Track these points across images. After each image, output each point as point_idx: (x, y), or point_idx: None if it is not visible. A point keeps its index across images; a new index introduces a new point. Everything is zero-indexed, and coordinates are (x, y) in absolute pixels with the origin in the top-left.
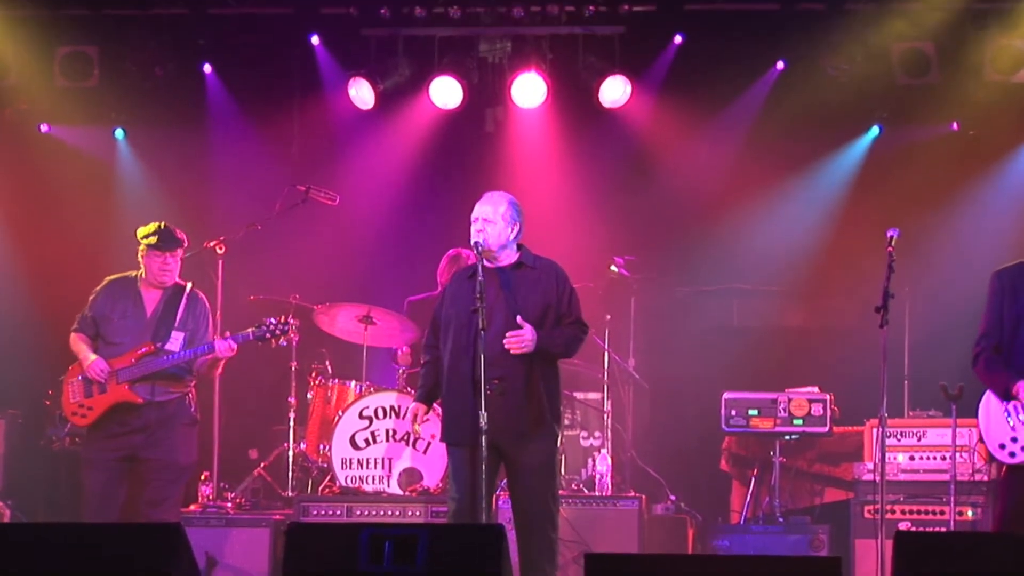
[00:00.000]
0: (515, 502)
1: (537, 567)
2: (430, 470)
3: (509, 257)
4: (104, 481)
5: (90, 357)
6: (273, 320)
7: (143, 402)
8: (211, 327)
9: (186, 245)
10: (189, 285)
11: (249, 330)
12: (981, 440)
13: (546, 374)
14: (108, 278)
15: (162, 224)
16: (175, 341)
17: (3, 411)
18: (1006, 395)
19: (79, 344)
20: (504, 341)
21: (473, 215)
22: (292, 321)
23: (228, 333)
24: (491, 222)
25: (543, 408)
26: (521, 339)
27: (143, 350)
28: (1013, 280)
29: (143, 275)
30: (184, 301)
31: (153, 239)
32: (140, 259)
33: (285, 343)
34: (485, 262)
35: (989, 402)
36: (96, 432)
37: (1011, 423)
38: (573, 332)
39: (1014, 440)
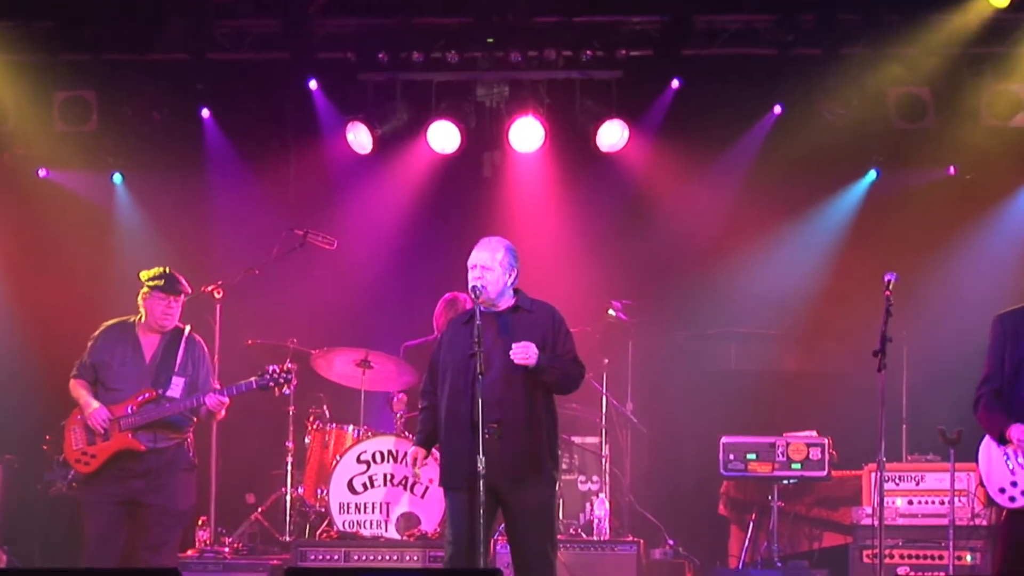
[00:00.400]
0: (513, 547)
1: None
2: (428, 514)
3: (506, 302)
4: (104, 525)
5: (92, 405)
6: (275, 368)
7: (145, 449)
8: (211, 370)
9: (189, 292)
10: (187, 328)
11: (252, 379)
12: (981, 484)
13: (545, 418)
14: (106, 323)
15: (167, 268)
16: (176, 387)
17: (0, 456)
18: (1001, 439)
19: (79, 390)
20: (512, 353)
21: (471, 262)
22: (293, 367)
23: (219, 385)
24: (489, 269)
25: (542, 452)
26: (527, 349)
27: (144, 397)
28: (1015, 324)
29: (142, 319)
30: (183, 345)
31: (159, 282)
32: (141, 302)
33: (288, 391)
34: (482, 307)
35: (989, 446)
36: (97, 477)
37: (1011, 467)
38: (570, 366)
39: (1014, 484)
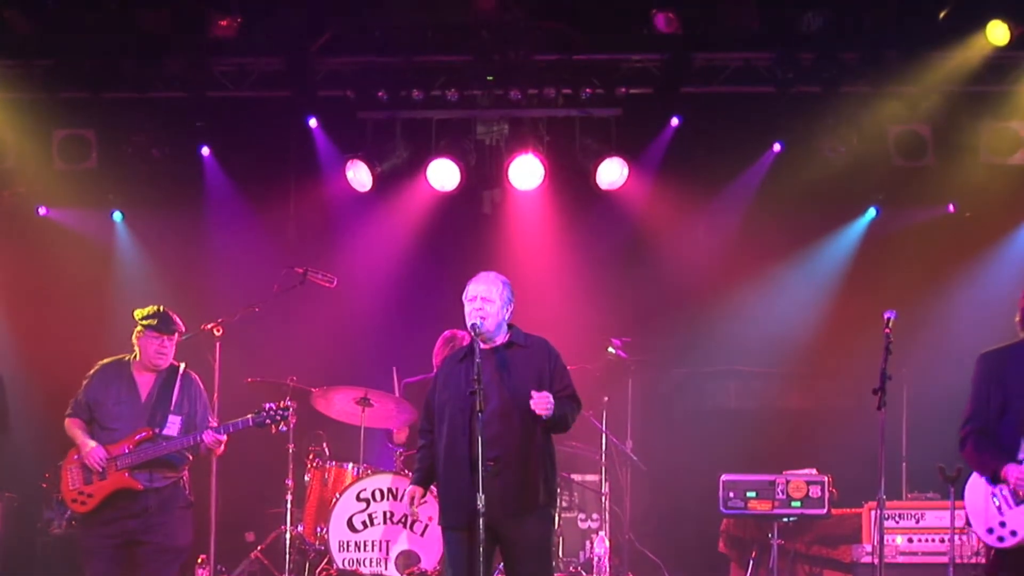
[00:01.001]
0: None
1: None
2: (427, 552)
3: (502, 337)
4: (103, 570)
5: (88, 444)
6: (272, 405)
7: (143, 488)
8: (208, 407)
9: (183, 331)
10: (182, 366)
11: (248, 416)
12: (968, 524)
13: (542, 454)
14: (101, 362)
15: (160, 307)
16: (172, 426)
17: (5, 490)
18: (995, 478)
19: (75, 430)
20: (532, 404)
21: (469, 294)
22: (291, 405)
23: (215, 423)
24: (490, 301)
25: (539, 488)
26: (548, 400)
27: (141, 436)
28: (999, 364)
29: (136, 358)
30: (179, 383)
31: (153, 321)
32: (135, 340)
33: (285, 428)
34: (480, 343)
35: (975, 485)
36: (94, 518)
37: (998, 506)
38: (567, 405)
39: (1002, 524)
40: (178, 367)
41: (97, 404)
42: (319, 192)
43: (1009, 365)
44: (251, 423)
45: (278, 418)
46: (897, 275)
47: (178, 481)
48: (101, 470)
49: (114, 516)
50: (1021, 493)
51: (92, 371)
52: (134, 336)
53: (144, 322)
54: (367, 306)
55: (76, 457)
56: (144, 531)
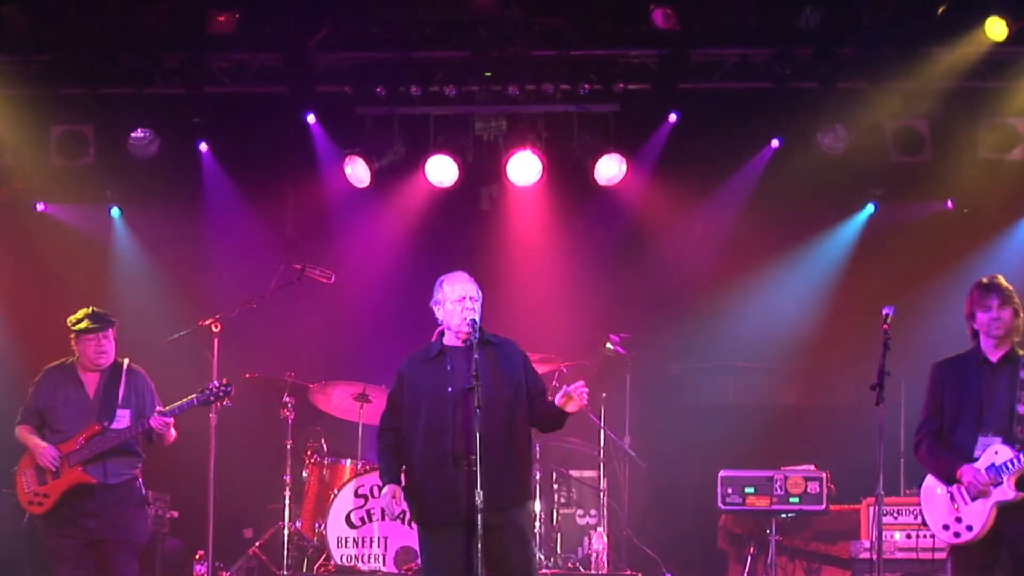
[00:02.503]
0: (497, 572)
1: None
2: None
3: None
4: (72, 569)
5: (41, 445)
6: (215, 384)
7: (96, 482)
8: (155, 398)
9: (116, 324)
10: (126, 362)
11: (193, 396)
12: (924, 523)
13: (523, 448)
14: (45, 367)
15: (91, 308)
16: (122, 419)
17: None
18: (950, 479)
19: (25, 434)
20: (571, 407)
21: (459, 293)
22: (231, 385)
23: (160, 408)
24: (478, 300)
25: (521, 481)
26: (582, 390)
27: (91, 432)
28: (952, 372)
29: (79, 360)
30: (124, 378)
31: (85, 323)
32: (74, 347)
33: (229, 404)
34: (461, 342)
35: (931, 486)
36: (53, 519)
37: (955, 505)
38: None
39: (958, 520)
40: (122, 363)
41: (47, 409)
42: (317, 188)
43: (963, 371)
44: (195, 402)
45: (221, 395)
46: (895, 271)
47: (133, 480)
48: (55, 469)
49: (71, 517)
50: (973, 493)
51: (38, 377)
52: (72, 343)
53: (78, 327)
54: (365, 302)
55: (30, 461)
56: (105, 529)
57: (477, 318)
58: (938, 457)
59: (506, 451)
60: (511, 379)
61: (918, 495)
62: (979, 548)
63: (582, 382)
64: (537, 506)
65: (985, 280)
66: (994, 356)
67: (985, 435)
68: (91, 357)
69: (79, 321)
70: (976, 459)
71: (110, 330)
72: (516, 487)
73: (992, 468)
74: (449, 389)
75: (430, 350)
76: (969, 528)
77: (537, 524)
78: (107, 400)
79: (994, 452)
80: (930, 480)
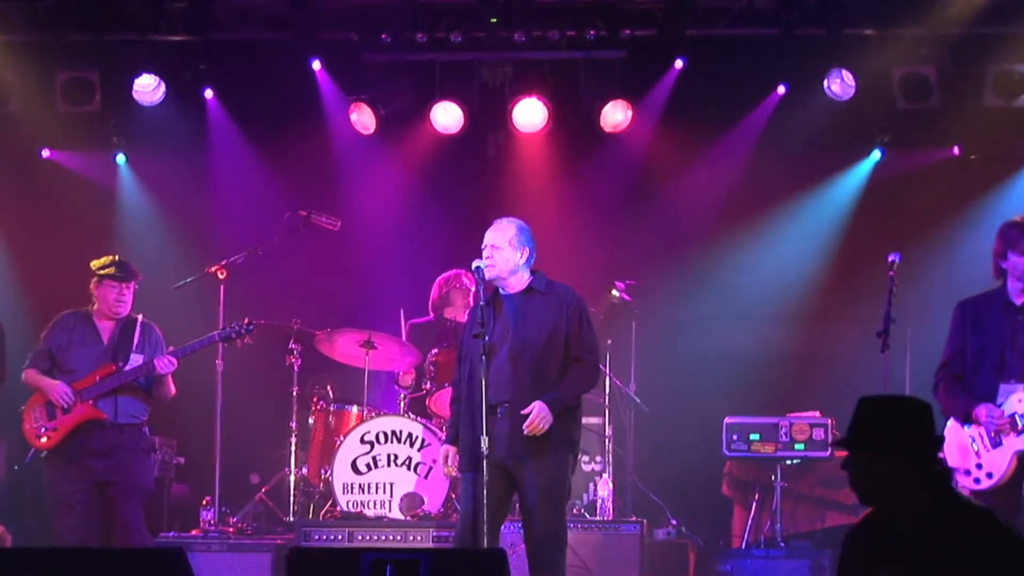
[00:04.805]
0: (523, 524)
1: None
2: (432, 495)
3: (519, 283)
4: (75, 523)
5: (53, 382)
6: (237, 323)
7: (107, 418)
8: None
9: (140, 278)
10: (140, 316)
11: (214, 332)
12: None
13: None
14: (60, 313)
15: (117, 257)
16: (135, 362)
17: (5, 435)
18: (966, 419)
19: (34, 375)
20: (524, 430)
21: (484, 242)
22: (252, 326)
23: (171, 348)
24: (498, 248)
25: (552, 430)
26: (534, 419)
27: (106, 370)
28: (976, 311)
29: (95, 307)
30: (138, 329)
31: (111, 269)
32: (93, 291)
33: (250, 342)
34: (500, 290)
35: (952, 430)
36: (58, 461)
37: (976, 449)
38: (580, 374)
39: (979, 467)
40: (136, 317)
41: (59, 349)
42: (323, 135)
43: (986, 312)
44: (216, 338)
45: (243, 332)
46: (901, 217)
47: (141, 425)
48: (67, 405)
49: (77, 457)
50: (992, 432)
51: (51, 322)
52: (92, 287)
53: (102, 271)
54: (371, 248)
55: (40, 399)
56: (109, 471)
57: (483, 265)
58: (955, 397)
59: (529, 400)
60: (546, 329)
61: None
62: (999, 495)
63: (536, 414)
64: None
65: (1019, 219)
66: (1019, 300)
67: (1007, 382)
68: (110, 304)
69: (105, 267)
70: (999, 407)
71: (133, 283)
72: (541, 439)
73: (1015, 416)
74: (487, 338)
75: (486, 297)
76: (989, 475)
77: None
78: (122, 344)
79: (1017, 400)
80: (951, 425)
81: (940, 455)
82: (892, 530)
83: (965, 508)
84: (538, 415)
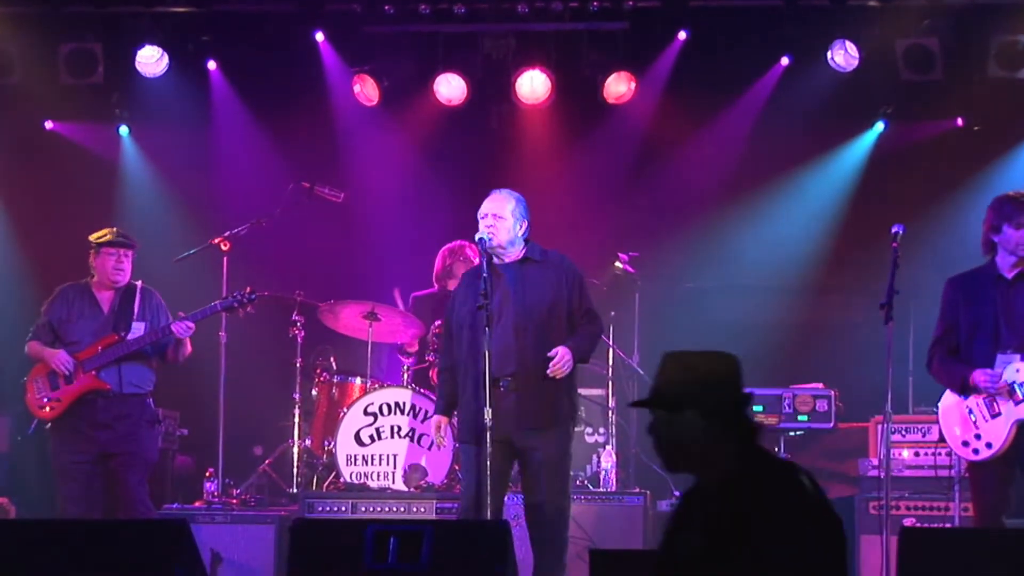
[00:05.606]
0: (526, 497)
1: (545, 563)
2: (435, 466)
3: (516, 253)
4: (78, 494)
5: (55, 352)
6: (239, 292)
7: (110, 389)
8: (168, 317)
9: (137, 246)
10: (139, 283)
11: (216, 302)
12: (941, 438)
13: None
14: (60, 286)
15: (114, 228)
16: (137, 331)
17: (8, 408)
18: (963, 388)
19: (37, 347)
20: (548, 371)
21: (481, 212)
22: (255, 295)
23: (183, 313)
24: (501, 218)
25: (554, 405)
26: (560, 361)
27: (109, 340)
28: (966, 288)
29: (94, 278)
30: (139, 296)
31: (109, 236)
32: (92, 263)
33: (252, 311)
34: (494, 259)
35: (948, 401)
36: (62, 432)
37: (974, 419)
38: (591, 330)
39: (977, 437)
40: (136, 284)
41: (61, 321)
42: (326, 106)
43: (978, 287)
44: (218, 307)
45: (245, 301)
46: (905, 189)
47: (145, 396)
48: (69, 373)
49: (80, 428)
50: (992, 393)
51: (52, 296)
52: (90, 259)
53: (100, 241)
54: (374, 220)
55: (43, 370)
56: (116, 442)
57: (486, 235)
58: (950, 367)
59: (538, 373)
60: (548, 297)
61: (926, 413)
62: (998, 465)
63: (562, 355)
64: None
65: (1014, 194)
66: (1010, 273)
67: (1004, 352)
68: (108, 272)
69: (103, 236)
70: None
71: (131, 251)
72: (549, 410)
73: (1012, 385)
74: (476, 307)
75: (477, 269)
76: (988, 445)
77: None
78: (123, 314)
79: (1015, 370)
80: (948, 397)
81: (747, 412)
82: (697, 494)
83: (768, 465)
84: (563, 359)
